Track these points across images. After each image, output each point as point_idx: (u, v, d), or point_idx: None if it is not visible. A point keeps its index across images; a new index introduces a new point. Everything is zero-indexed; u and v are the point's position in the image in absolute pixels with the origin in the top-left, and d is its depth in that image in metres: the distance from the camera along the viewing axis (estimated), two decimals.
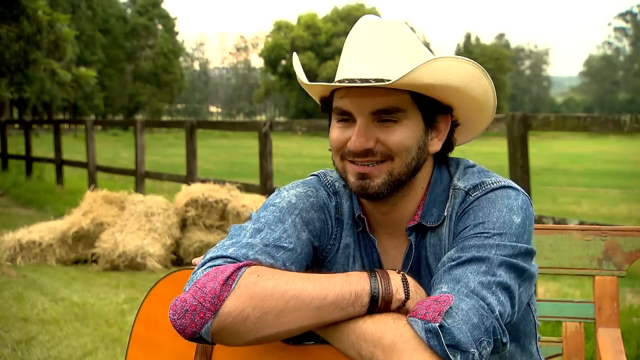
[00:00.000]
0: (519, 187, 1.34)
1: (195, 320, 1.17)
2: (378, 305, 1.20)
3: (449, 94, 1.32)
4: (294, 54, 1.42)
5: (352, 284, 1.20)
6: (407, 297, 1.20)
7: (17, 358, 3.82)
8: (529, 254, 1.27)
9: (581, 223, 4.80)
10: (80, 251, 6.71)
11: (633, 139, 36.68)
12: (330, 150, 1.39)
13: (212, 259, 1.25)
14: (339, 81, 1.30)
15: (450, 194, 1.36)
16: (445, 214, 1.35)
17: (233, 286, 1.18)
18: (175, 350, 1.38)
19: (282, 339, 1.23)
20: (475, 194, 1.33)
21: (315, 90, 1.39)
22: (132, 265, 6.30)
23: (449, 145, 1.40)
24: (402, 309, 1.20)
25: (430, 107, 1.32)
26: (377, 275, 1.22)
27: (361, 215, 1.41)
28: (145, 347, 1.41)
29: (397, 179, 1.31)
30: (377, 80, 1.26)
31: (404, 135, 1.29)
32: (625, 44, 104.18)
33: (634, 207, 12.63)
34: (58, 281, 5.74)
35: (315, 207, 1.41)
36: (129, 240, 6.39)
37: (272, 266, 1.26)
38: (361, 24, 1.34)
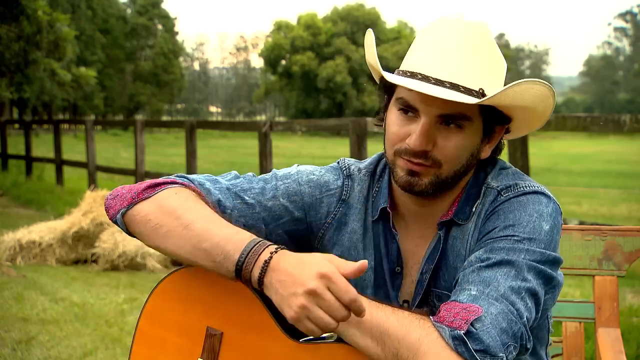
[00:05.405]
0: (551, 195, 1.34)
1: (116, 204, 1.34)
2: (241, 277, 1.20)
3: (517, 111, 1.32)
4: (370, 31, 1.38)
5: (229, 245, 1.22)
6: (261, 282, 1.17)
7: (17, 358, 3.82)
8: (556, 262, 1.27)
9: (581, 223, 4.80)
10: (80, 251, 6.70)
11: (633, 139, 36.66)
12: (379, 128, 1.41)
13: (179, 175, 1.39)
14: (411, 73, 1.28)
15: (483, 191, 1.36)
16: (474, 210, 1.35)
17: (155, 193, 1.32)
18: (180, 347, 1.36)
19: (177, 258, 1.31)
20: (507, 194, 1.32)
21: (378, 70, 1.38)
22: (132, 265, 6.30)
23: (496, 150, 1.40)
24: (262, 289, 1.18)
25: (493, 118, 1.32)
26: (254, 248, 1.20)
27: (387, 209, 1.41)
28: (150, 344, 1.40)
29: (444, 181, 1.31)
30: (451, 84, 1.25)
31: (461, 143, 1.29)
32: (625, 44, 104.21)
33: (634, 207, 12.62)
34: (58, 281, 5.74)
35: (311, 183, 1.45)
36: (129, 240, 6.38)
37: (226, 208, 1.36)
38: (442, 20, 1.32)
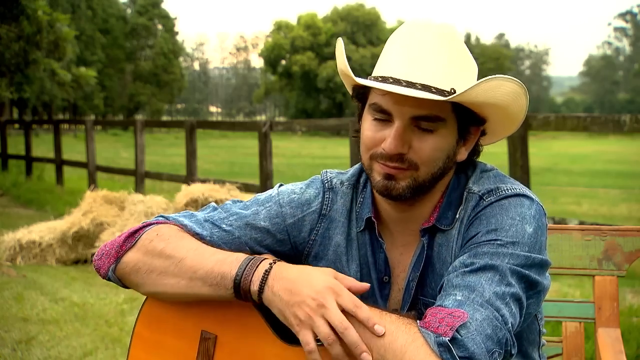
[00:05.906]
0: (534, 196, 1.33)
1: (105, 263, 1.37)
2: (240, 293, 1.24)
3: (491, 110, 1.31)
4: (339, 39, 1.37)
5: (225, 266, 1.26)
6: (261, 291, 1.21)
7: (17, 358, 3.82)
8: (542, 265, 1.26)
9: (581, 223, 4.80)
10: (80, 251, 6.70)
11: (633, 139, 36.68)
12: (356, 140, 1.40)
13: (158, 216, 1.43)
14: (382, 78, 1.28)
15: (465, 197, 1.35)
16: (458, 216, 1.34)
17: (136, 240, 1.35)
18: (177, 350, 1.37)
19: (176, 300, 1.33)
20: (489, 199, 1.31)
21: (349, 79, 1.37)
22: None
23: (473, 152, 1.39)
24: (262, 299, 1.22)
25: (467, 118, 1.32)
26: (251, 262, 1.25)
27: (372, 218, 1.41)
28: (147, 347, 1.41)
29: (421, 184, 1.31)
30: (423, 86, 1.24)
31: (437, 145, 1.28)
32: (625, 44, 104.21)
33: (634, 207, 12.62)
34: (58, 281, 5.74)
35: (292, 203, 1.46)
36: None
37: (204, 237, 1.38)
38: (410, 24, 1.32)
